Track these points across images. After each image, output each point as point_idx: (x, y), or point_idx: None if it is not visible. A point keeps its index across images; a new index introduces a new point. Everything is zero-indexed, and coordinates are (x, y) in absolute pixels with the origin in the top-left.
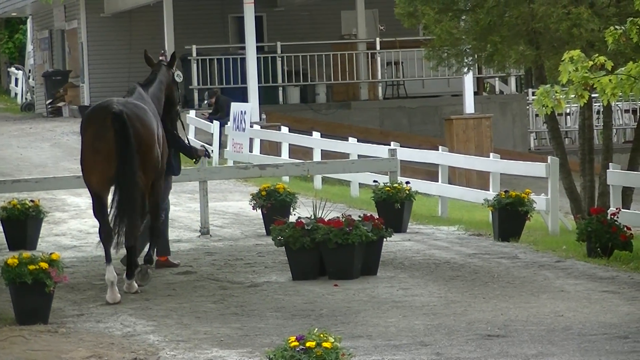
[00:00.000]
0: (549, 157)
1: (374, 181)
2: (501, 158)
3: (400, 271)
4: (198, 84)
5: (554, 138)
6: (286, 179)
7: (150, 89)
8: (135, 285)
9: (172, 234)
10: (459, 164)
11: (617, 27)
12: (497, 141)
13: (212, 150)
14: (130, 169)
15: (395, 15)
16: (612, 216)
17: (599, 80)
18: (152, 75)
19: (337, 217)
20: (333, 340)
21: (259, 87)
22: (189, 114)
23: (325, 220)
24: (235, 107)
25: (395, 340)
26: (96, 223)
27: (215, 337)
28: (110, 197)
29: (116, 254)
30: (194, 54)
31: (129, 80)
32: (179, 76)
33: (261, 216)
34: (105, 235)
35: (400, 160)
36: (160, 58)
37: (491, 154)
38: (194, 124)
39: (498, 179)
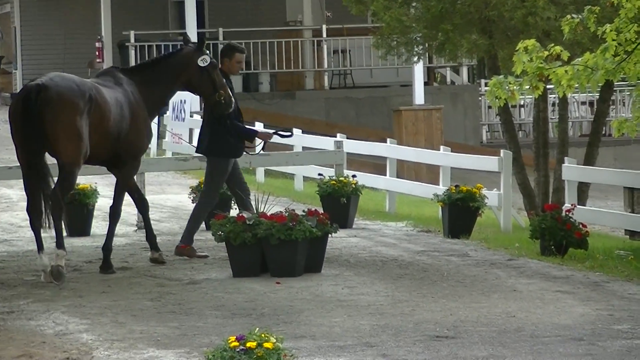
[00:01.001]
0: (501, 151)
1: (319, 174)
2: (452, 151)
3: (346, 269)
4: None
5: (507, 131)
6: None
7: (147, 71)
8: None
9: (106, 229)
10: (408, 157)
11: (574, 15)
12: (447, 134)
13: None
14: (36, 144)
15: (342, 1)
16: (567, 213)
17: (554, 71)
18: (157, 58)
19: (280, 211)
20: (275, 340)
21: None
22: None
23: (268, 215)
24: (174, 96)
25: (339, 341)
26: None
27: (152, 336)
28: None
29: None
30: (132, 39)
31: (64, 67)
32: (203, 60)
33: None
34: (31, 210)
35: (347, 153)
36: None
37: (441, 147)
38: None
39: (448, 173)
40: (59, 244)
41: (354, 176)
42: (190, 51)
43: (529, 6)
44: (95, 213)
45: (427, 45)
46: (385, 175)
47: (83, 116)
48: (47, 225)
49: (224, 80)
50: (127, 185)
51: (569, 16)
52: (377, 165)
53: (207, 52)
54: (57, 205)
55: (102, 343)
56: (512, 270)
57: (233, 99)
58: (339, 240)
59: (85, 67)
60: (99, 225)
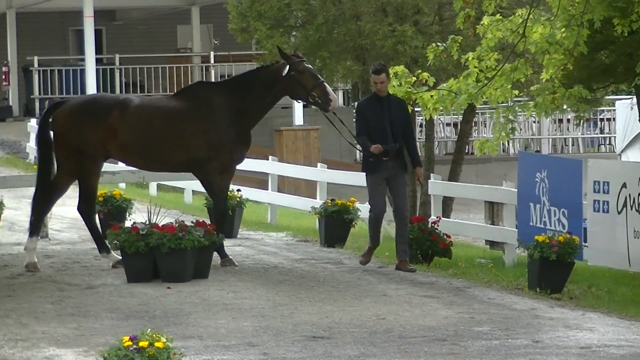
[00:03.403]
0: None
1: None
2: (328, 168)
3: (231, 275)
4: (39, 94)
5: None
6: (123, 185)
7: (231, 84)
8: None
9: (12, 237)
10: (288, 173)
11: (439, 44)
12: (324, 152)
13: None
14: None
15: (229, 30)
16: (433, 224)
17: (421, 95)
18: (245, 74)
19: (171, 222)
20: (165, 340)
21: None
22: (30, 122)
23: (160, 225)
24: None
25: (224, 341)
26: None
27: (53, 336)
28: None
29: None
30: (36, 64)
31: None
32: (284, 69)
33: (98, 221)
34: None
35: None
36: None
37: (319, 164)
38: (35, 132)
39: (325, 187)
40: None
41: (238, 190)
42: (282, 64)
43: (399, 35)
44: (0, 224)
45: None
46: (267, 189)
47: None
48: None
49: (318, 81)
50: (211, 190)
51: (434, 44)
52: (260, 180)
53: (296, 60)
54: None
55: (7, 342)
56: (383, 276)
57: (332, 96)
58: (224, 249)
59: None
60: (4, 235)
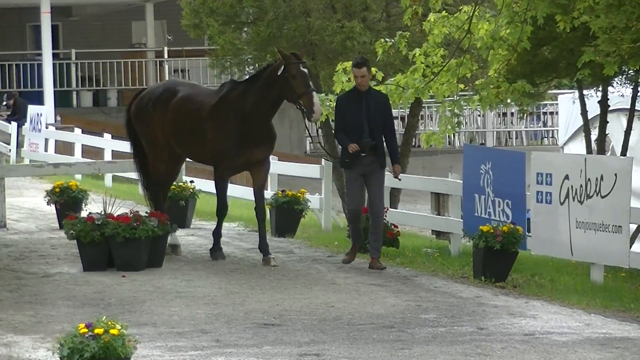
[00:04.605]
0: (322, 160)
1: None
2: (279, 160)
3: (184, 264)
4: None
5: (327, 143)
6: (79, 177)
7: (249, 83)
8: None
9: None
10: None
11: (387, 39)
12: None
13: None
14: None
15: (182, 26)
16: None
17: None
18: (258, 73)
19: (126, 213)
20: (120, 327)
21: (54, 91)
22: None
23: (115, 215)
24: (32, 109)
25: (178, 328)
26: None
27: (10, 323)
28: None
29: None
30: None
31: None
32: (280, 69)
33: (55, 211)
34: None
35: (186, 161)
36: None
37: (270, 157)
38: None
39: (276, 179)
40: None
41: (191, 181)
42: (278, 64)
43: (347, 32)
44: None
45: (257, 65)
46: None
47: None
48: None
49: (308, 89)
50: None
51: (382, 40)
52: (212, 172)
53: (292, 62)
54: None
55: None
56: (332, 265)
57: (316, 107)
58: (178, 238)
59: None
60: None
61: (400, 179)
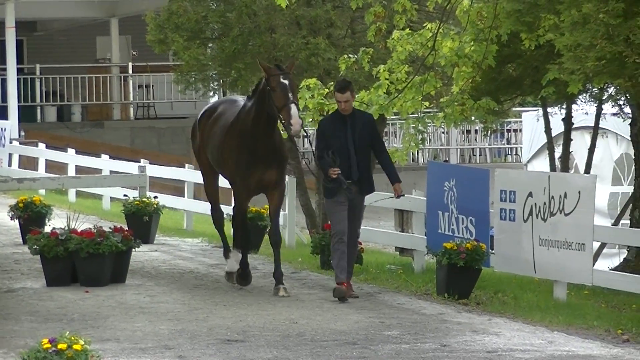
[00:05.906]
0: (287, 177)
1: (125, 195)
2: None
3: (148, 279)
4: None
5: (292, 158)
6: (43, 192)
7: (250, 98)
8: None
9: None
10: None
11: (350, 55)
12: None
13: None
14: None
15: (147, 41)
16: None
17: (333, 107)
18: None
19: (90, 228)
20: (83, 342)
21: (18, 106)
22: None
23: (78, 231)
24: None
25: (141, 344)
26: None
27: None
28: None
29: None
30: None
31: None
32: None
33: (18, 226)
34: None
35: (150, 177)
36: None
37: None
38: None
39: None
40: None
41: (155, 197)
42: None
43: (312, 48)
44: None
45: (221, 81)
46: (184, 197)
47: None
48: None
49: (287, 102)
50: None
51: (345, 55)
52: (177, 187)
53: (272, 74)
54: None
55: None
56: (295, 281)
57: (294, 121)
58: (141, 254)
59: None
60: None
61: (404, 195)
